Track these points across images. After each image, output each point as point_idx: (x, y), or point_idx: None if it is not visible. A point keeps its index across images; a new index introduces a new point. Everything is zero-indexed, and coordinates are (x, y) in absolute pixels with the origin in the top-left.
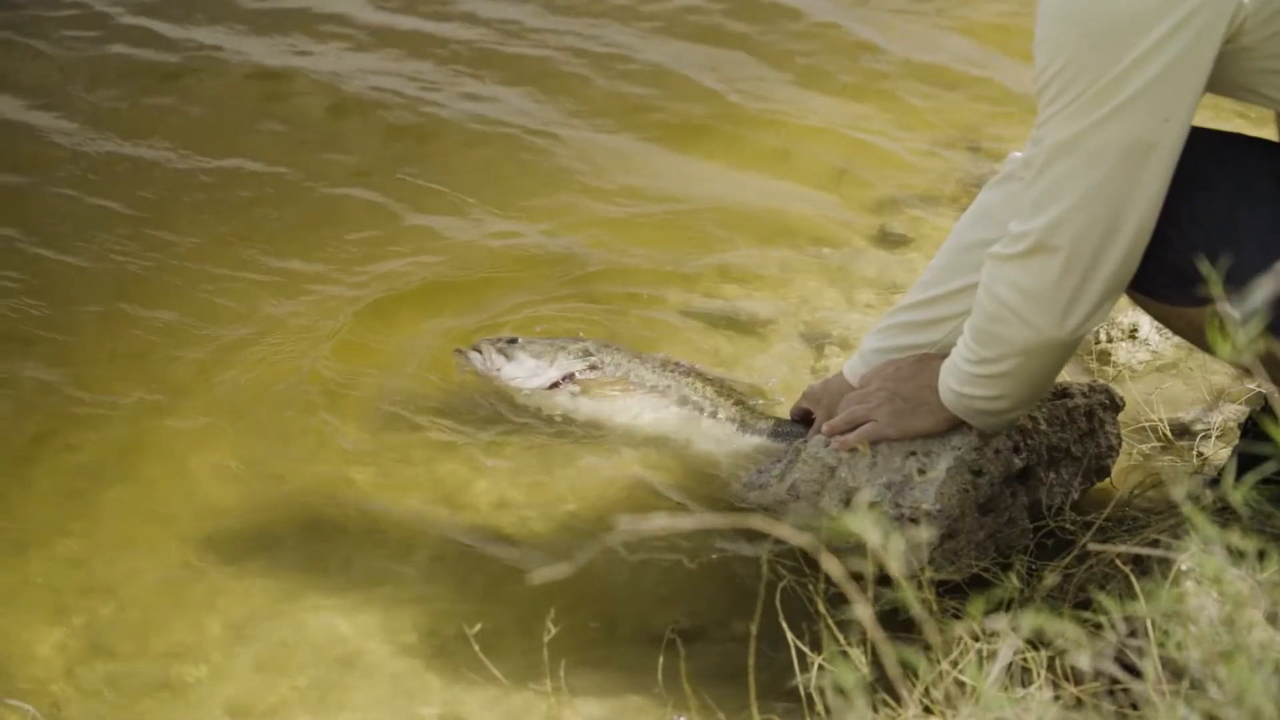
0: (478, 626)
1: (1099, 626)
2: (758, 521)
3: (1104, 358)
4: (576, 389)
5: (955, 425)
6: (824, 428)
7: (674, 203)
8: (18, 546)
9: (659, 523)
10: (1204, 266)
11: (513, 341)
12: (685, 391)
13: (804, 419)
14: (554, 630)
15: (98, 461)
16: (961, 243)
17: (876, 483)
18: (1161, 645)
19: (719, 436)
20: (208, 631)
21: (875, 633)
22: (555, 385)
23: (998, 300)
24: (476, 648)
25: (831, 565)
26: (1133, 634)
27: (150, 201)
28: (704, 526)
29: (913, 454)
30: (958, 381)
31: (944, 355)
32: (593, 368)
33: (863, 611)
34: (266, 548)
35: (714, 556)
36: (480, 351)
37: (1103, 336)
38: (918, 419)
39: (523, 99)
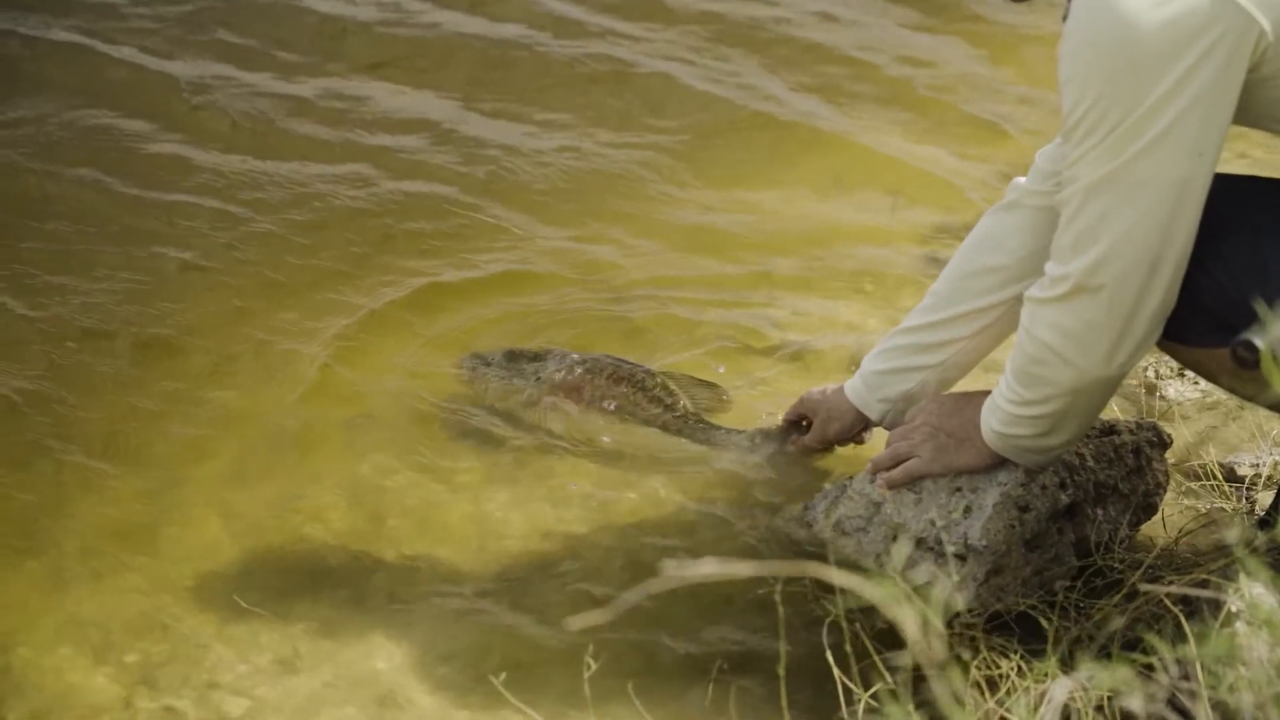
0: (516, 663)
1: (1149, 668)
2: (815, 569)
3: (1153, 395)
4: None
5: (1000, 461)
6: (868, 464)
7: (722, 222)
8: (68, 584)
9: (706, 568)
10: (1259, 305)
11: (488, 362)
12: (621, 403)
13: (796, 423)
14: (594, 666)
15: (143, 500)
16: (965, 268)
17: (922, 519)
18: (1213, 688)
19: (658, 444)
20: (251, 668)
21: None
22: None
23: (1040, 343)
24: (503, 690)
25: (896, 614)
26: (1184, 676)
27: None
28: (760, 574)
29: (958, 490)
30: (1000, 422)
31: (987, 392)
32: (564, 386)
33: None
34: (309, 585)
35: (760, 591)
36: (463, 366)
37: (1151, 374)
38: (962, 455)
39: (566, 115)
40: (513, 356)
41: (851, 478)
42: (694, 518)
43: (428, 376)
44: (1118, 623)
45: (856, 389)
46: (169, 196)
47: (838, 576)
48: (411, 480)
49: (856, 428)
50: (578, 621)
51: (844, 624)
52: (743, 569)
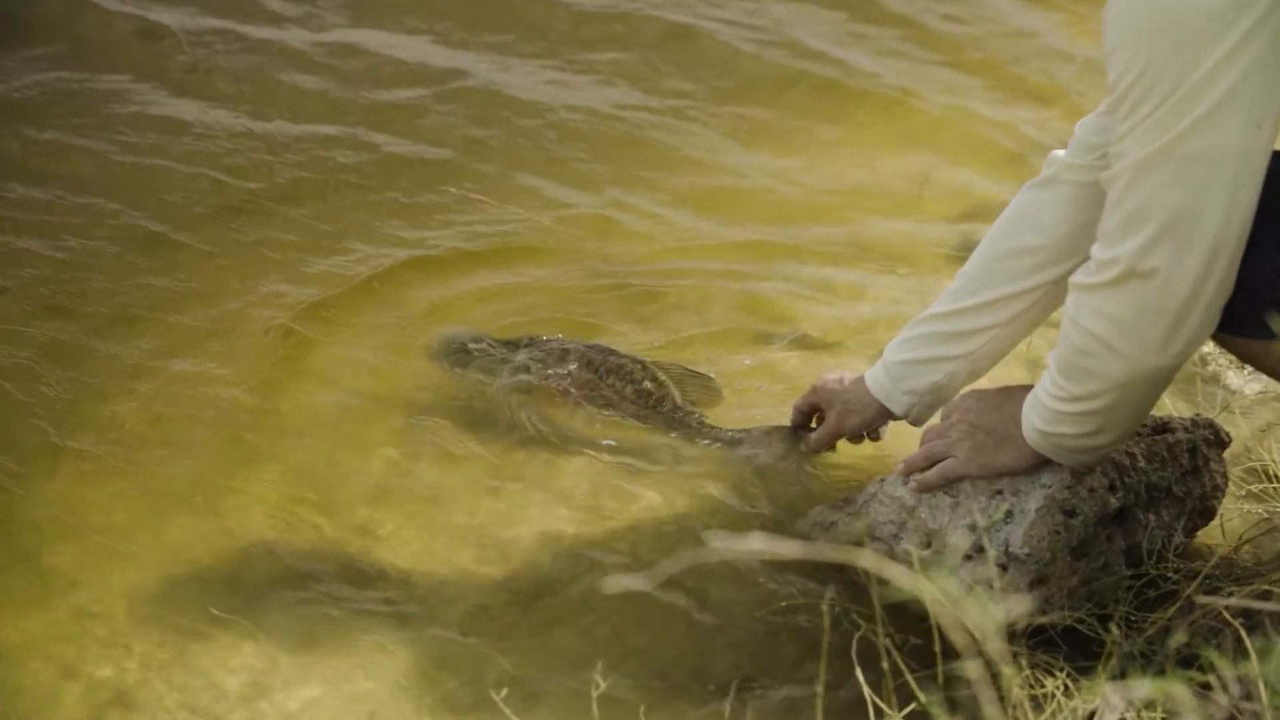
0: (519, 677)
1: (1207, 686)
2: (870, 559)
3: (1211, 389)
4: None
5: (1043, 461)
6: (900, 465)
7: (748, 188)
8: (39, 597)
9: (755, 544)
10: None
11: (469, 349)
12: (612, 400)
13: (807, 415)
14: (603, 685)
15: (117, 509)
16: (998, 249)
17: (959, 524)
18: (1278, 708)
19: (660, 445)
20: (230, 687)
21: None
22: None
23: (1087, 333)
24: (504, 707)
25: (948, 620)
26: (1246, 696)
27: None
28: (811, 557)
29: (998, 493)
30: (1043, 419)
31: (1030, 386)
32: (551, 379)
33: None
34: (293, 599)
35: (782, 604)
36: (441, 351)
37: (1209, 365)
38: (1002, 455)
39: (594, 82)
40: (496, 343)
41: (882, 480)
42: (709, 524)
43: (419, 360)
44: (1175, 638)
45: (879, 380)
46: (153, 160)
47: (891, 570)
48: (404, 480)
49: (877, 422)
50: (614, 584)
51: (880, 638)
52: (791, 549)
